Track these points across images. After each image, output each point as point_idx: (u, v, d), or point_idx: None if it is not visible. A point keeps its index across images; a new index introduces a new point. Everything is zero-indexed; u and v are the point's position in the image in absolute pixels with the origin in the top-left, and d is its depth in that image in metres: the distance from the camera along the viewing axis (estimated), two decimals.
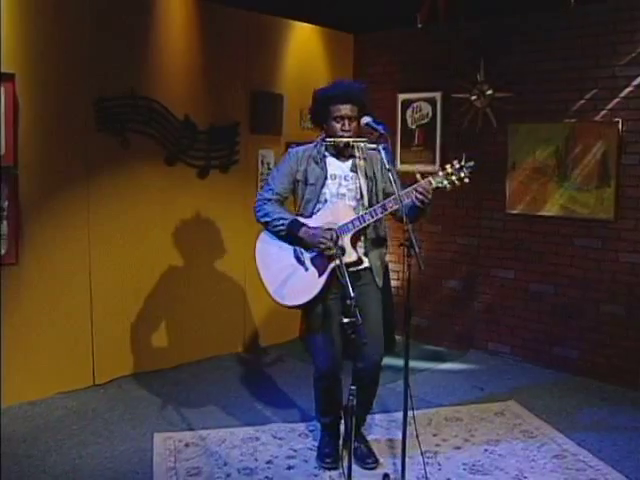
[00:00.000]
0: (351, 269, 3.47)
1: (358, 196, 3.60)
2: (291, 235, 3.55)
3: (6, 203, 4.29)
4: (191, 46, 5.27)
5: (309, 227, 3.51)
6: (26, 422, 4.22)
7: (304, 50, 6.11)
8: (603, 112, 5.09)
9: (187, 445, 3.95)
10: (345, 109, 3.50)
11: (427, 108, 6.09)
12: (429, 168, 5.81)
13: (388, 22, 6.05)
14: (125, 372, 5.05)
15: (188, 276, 5.37)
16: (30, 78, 4.38)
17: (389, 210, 3.41)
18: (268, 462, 3.75)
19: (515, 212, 5.57)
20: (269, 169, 5.75)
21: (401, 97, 6.23)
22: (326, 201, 3.59)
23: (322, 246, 3.43)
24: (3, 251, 4.30)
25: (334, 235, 3.41)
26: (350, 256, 3.49)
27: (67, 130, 4.61)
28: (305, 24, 6.08)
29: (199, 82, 5.35)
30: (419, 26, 5.89)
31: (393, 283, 6.13)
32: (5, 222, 4.29)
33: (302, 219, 3.59)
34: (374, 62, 6.39)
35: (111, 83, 4.77)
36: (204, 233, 5.47)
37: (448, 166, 3.39)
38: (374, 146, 3.51)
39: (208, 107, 5.40)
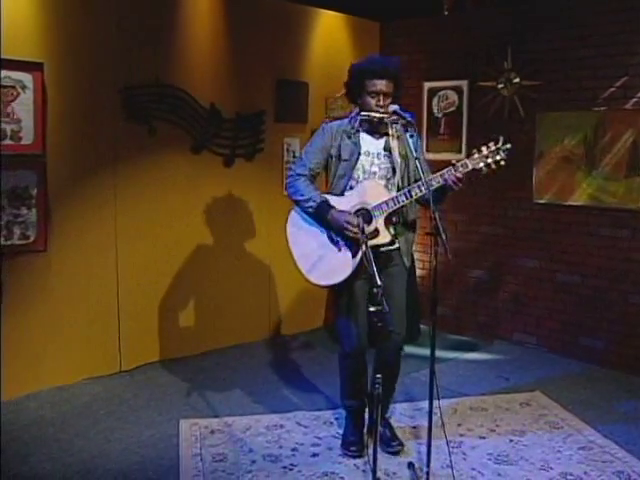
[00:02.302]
0: (383, 249, 3.47)
1: (389, 175, 3.58)
2: (319, 217, 3.55)
3: (35, 191, 4.34)
4: (217, 34, 5.27)
5: (337, 211, 3.49)
6: (54, 407, 4.29)
7: (330, 38, 6.08)
8: (633, 100, 5.00)
9: (212, 432, 3.98)
10: (381, 84, 3.45)
11: (453, 96, 6.04)
12: (455, 157, 5.75)
13: (414, 10, 6.00)
14: (151, 359, 5.09)
15: (214, 264, 5.40)
16: (58, 67, 4.41)
17: (423, 192, 3.37)
18: (293, 449, 3.77)
19: (542, 201, 5.52)
20: (294, 157, 5.75)
21: (427, 85, 6.19)
22: (358, 178, 3.57)
23: (347, 232, 3.44)
24: (32, 238, 4.36)
25: (361, 222, 3.37)
26: (384, 237, 3.48)
27: (94, 118, 4.64)
28: (331, 12, 6.05)
29: (225, 70, 5.35)
30: (446, 13, 5.87)
31: (418, 272, 6.10)
32: (34, 209, 4.34)
33: (333, 198, 3.58)
34: (400, 50, 6.34)
35: (137, 72, 4.79)
36: (229, 221, 5.49)
37: (484, 148, 3.35)
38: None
39: (234, 95, 5.41)
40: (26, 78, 4.22)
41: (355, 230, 3.38)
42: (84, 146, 4.61)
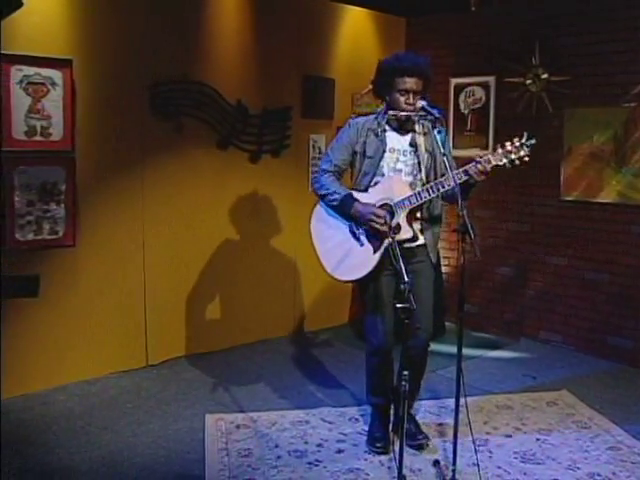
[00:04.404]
0: (406, 245, 3.47)
1: (415, 172, 3.56)
2: (343, 210, 3.55)
3: (64, 187, 4.39)
4: (243, 30, 5.28)
5: (361, 203, 3.49)
6: (82, 400, 4.34)
7: (356, 34, 6.07)
8: None
9: (238, 427, 3.99)
10: (411, 82, 3.43)
11: (480, 93, 6.00)
12: (482, 153, 5.70)
13: (441, 5, 5.96)
14: (177, 353, 5.13)
15: (239, 260, 5.42)
16: (87, 64, 4.45)
17: (446, 188, 3.36)
18: (318, 445, 3.78)
19: (570, 198, 5.46)
20: (320, 154, 5.75)
21: (454, 82, 6.15)
22: (383, 175, 3.56)
23: (373, 224, 3.43)
24: (61, 233, 4.41)
25: (387, 215, 3.39)
26: (406, 233, 3.47)
27: (122, 114, 4.67)
28: (357, 8, 6.03)
29: (251, 66, 5.36)
30: (472, 9, 5.81)
31: (444, 269, 6.07)
32: (63, 205, 4.39)
33: (357, 193, 3.58)
34: (426, 46, 6.30)
35: (165, 68, 4.82)
36: (255, 217, 5.50)
37: (508, 144, 3.32)
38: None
39: (260, 91, 5.42)
40: (56, 75, 4.27)
41: (381, 222, 3.39)
42: (112, 142, 4.64)
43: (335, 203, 3.56)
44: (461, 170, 3.35)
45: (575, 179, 5.41)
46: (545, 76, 5.48)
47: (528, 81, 5.58)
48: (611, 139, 5.19)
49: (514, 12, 5.70)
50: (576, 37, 5.35)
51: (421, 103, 3.40)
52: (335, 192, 3.55)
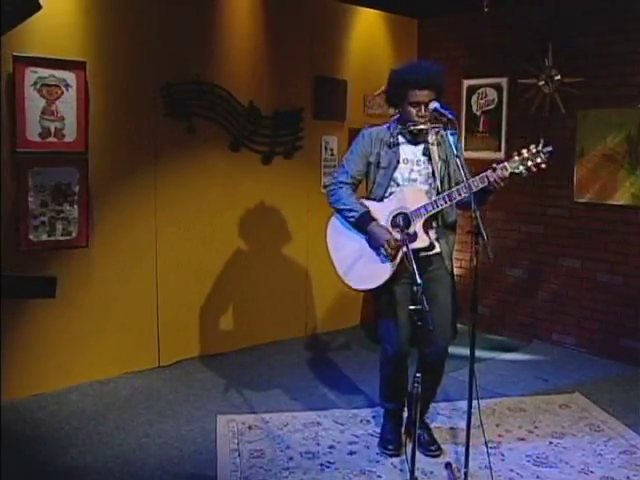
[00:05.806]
0: (423, 254, 3.47)
1: (430, 180, 3.55)
2: (359, 228, 3.56)
3: (77, 188, 4.41)
4: (255, 32, 5.30)
5: (378, 226, 3.49)
6: (95, 400, 4.36)
7: (368, 35, 6.07)
8: None
9: (250, 428, 4.00)
10: (422, 95, 3.41)
11: (493, 94, 5.98)
12: (494, 155, 5.71)
13: (453, 6, 5.95)
14: (189, 354, 5.14)
15: (252, 261, 5.43)
16: (100, 66, 4.48)
17: (463, 196, 3.35)
18: (330, 447, 3.77)
19: (583, 200, 5.43)
20: (332, 155, 5.76)
21: (466, 83, 6.13)
22: (398, 185, 3.55)
23: (382, 250, 3.45)
24: (74, 234, 4.43)
25: (396, 243, 3.40)
26: (423, 241, 3.46)
27: (135, 115, 4.70)
28: (369, 9, 6.03)
29: (263, 68, 5.37)
30: (485, 10, 5.79)
31: (456, 271, 6.05)
32: (76, 206, 4.42)
33: (373, 203, 3.58)
34: (439, 47, 6.30)
35: (177, 69, 4.84)
36: (268, 218, 5.51)
37: (524, 150, 3.31)
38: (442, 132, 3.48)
39: (272, 93, 5.43)
40: (69, 77, 4.30)
41: (390, 252, 3.41)
42: (125, 143, 4.67)
43: (352, 220, 3.56)
44: (477, 177, 3.34)
45: (588, 181, 5.38)
46: (558, 77, 5.45)
47: (541, 82, 5.56)
48: (625, 140, 5.16)
49: (527, 13, 5.68)
50: (589, 38, 5.32)
51: (434, 105, 3.39)
52: (352, 210, 3.55)
